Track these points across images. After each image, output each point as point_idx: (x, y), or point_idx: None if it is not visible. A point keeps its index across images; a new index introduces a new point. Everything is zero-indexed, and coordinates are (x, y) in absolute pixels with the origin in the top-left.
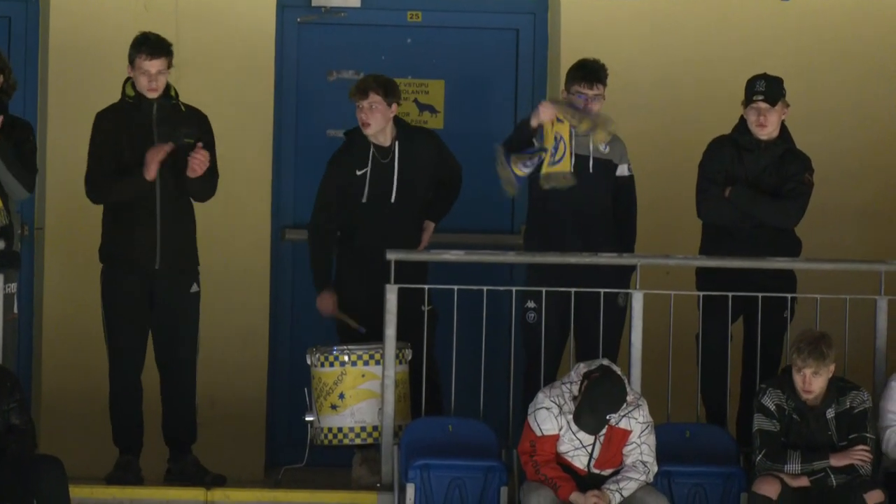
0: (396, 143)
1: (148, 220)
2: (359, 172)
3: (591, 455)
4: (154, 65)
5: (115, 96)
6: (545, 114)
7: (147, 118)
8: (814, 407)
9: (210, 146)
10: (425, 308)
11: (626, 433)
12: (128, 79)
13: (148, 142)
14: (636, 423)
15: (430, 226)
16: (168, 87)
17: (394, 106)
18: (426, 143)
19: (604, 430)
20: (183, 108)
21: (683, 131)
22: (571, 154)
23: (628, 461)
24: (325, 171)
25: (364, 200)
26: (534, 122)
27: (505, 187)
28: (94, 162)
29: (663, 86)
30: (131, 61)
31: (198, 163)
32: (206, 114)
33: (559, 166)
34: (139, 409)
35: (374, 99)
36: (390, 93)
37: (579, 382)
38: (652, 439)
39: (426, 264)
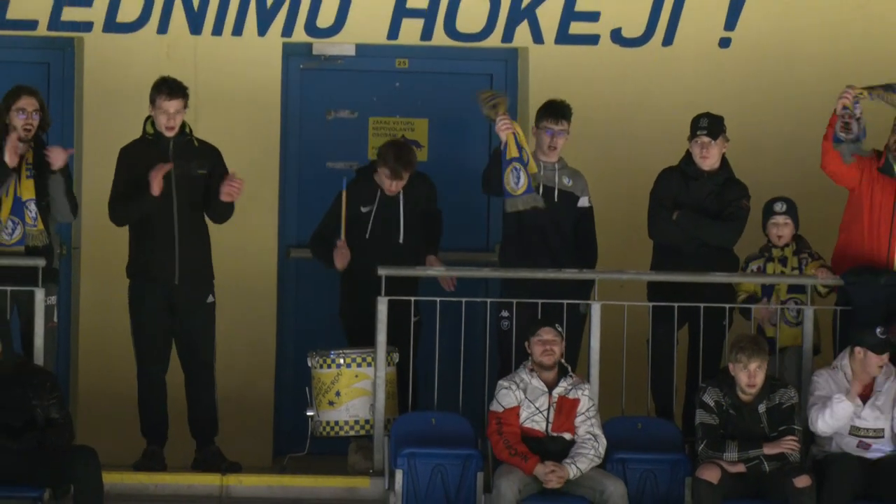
0: (403, 195)
1: (167, 240)
2: (363, 209)
3: (547, 420)
4: (172, 105)
5: (140, 133)
6: (503, 126)
7: (164, 153)
8: (748, 402)
9: (221, 177)
10: (412, 319)
11: (576, 402)
12: (148, 117)
13: (166, 176)
14: (583, 395)
15: (434, 259)
16: (183, 124)
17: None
18: (423, 185)
19: (555, 399)
20: (196, 143)
21: (636, 162)
22: (540, 172)
23: (581, 431)
24: (336, 198)
25: (367, 237)
26: (502, 136)
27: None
28: (115, 189)
29: (618, 123)
30: (152, 101)
31: (235, 189)
32: (218, 148)
33: (522, 188)
34: (164, 405)
35: (405, 176)
36: (413, 167)
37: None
38: (598, 418)
39: (416, 281)
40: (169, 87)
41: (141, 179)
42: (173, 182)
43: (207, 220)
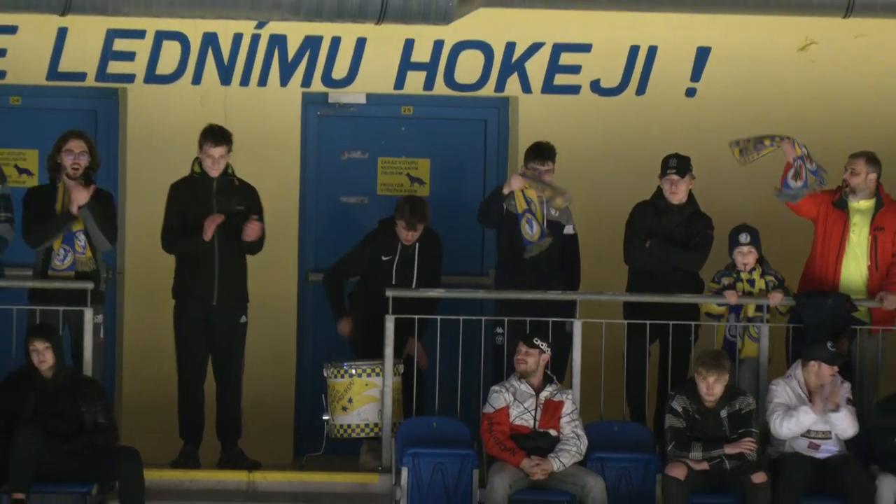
0: (417, 242)
1: (208, 267)
2: (384, 258)
3: (535, 418)
4: (217, 151)
5: (177, 171)
6: (516, 183)
7: (209, 191)
8: (711, 408)
9: (259, 213)
10: (415, 344)
11: (560, 404)
12: (196, 158)
13: (208, 208)
14: (567, 399)
15: (412, 342)
16: (226, 165)
17: None
18: (434, 240)
19: (542, 401)
20: (237, 182)
21: (614, 197)
22: (543, 216)
23: (566, 431)
24: (358, 245)
25: (393, 282)
26: (506, 190)
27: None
28: (167, 221)
29: (598, 162)
30: (200, 146)
31: (252, 231)
32: (255, 189)
33: (536, 235)
34: (201, 411)
35: (419, 228)
36: (426, 220)
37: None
38: (580, 420)
39: (429, 304)
40: (214, 135)
41: (187, 213)
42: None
43: None
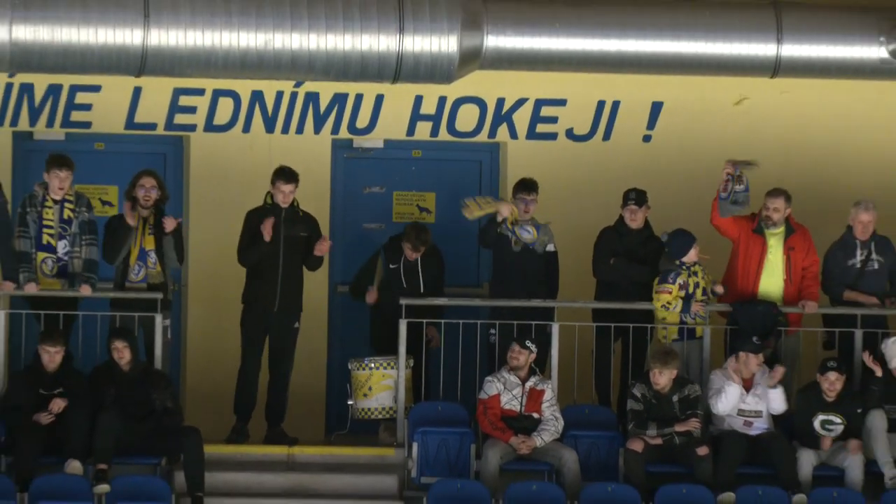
0: (420, 259)
1: (272, 280)
2: (392, 266)
3: (521, 404)
4: (288, 187)
5: (232, 203)
6: (505, 211)
7: (278, 218)
8: (664, 394)
9: (319, 236)
10: (424, 340)
11: (542, 392)
12: (269, 192)
13: (277, 233)
14: (547, 388)
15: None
16: (293, 198)
17: None
18: (435, 253)
19: (527, 389)
20: (301, 213)
21: (585, 222)
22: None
23: (546, 414)
24: (371, 257)
25: (404, 285)
26: (500, 218)
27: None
28: (242, 241)
29: (571, 195)
30: (273, 182)
31: (324, 247)
32: (316, 219)
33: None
34: (254, 395)
35: (421, 250)
36: (427, 244)
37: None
38: (557, 405)
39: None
40: (286, 175)
41: (259, 236)
42: (282, 240)
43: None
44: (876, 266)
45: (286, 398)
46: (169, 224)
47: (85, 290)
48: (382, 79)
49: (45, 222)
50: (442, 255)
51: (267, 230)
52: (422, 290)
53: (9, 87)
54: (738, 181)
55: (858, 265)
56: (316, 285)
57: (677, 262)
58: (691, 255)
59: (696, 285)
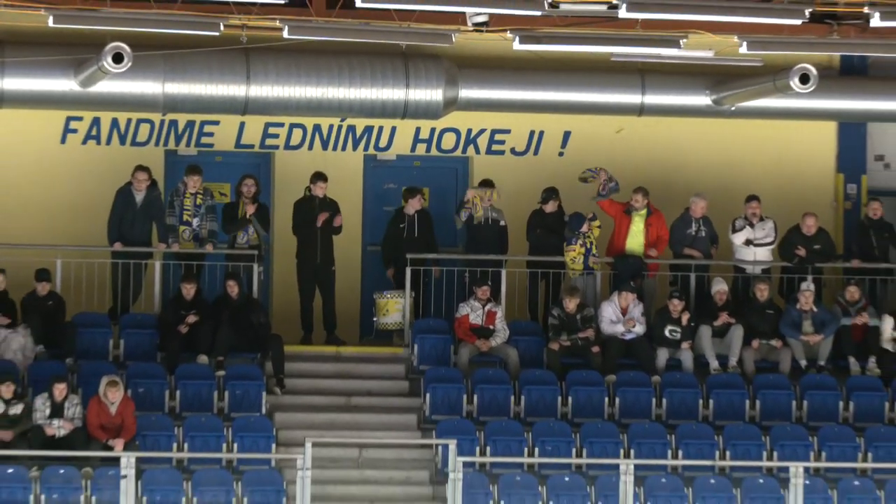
0: (416, 214)
1: (313, 243)
2: (400, 226)
3: (482, 319)
4: (323, 185)
5: (298, 195)
6: (470, 194)
7: (315, 204)
8: (571, 314)
9: (338, 213)
10: (432, 277)
11: (495, 313)
12: (308, 186)
13: (314, 214)
14: (498, 310)
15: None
16: (324, 192)
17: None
18: (426, 215)
19: (486, 311)
20: (328, 200)
21: (522, 208)
22: (483, 206)
23: (498, 326)
24: (388, 225)
25: (405, 236)
26: (466, 198)
27: (458, 224)
28: (294, 220)
29: (515, 189)
30: (312, 181)
31: (339, 220)
32: (337, 202)
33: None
34: (311, 314)
35: (421, 198)
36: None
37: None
38: (504, 321)
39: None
40: (321, 176)
41: (303, 216)
42: (318, 217)
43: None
44: (703, 234)
45: (335, 316)
46: (249, 207)
47: (209, 248)
48: (395, 116)
49: (185, 206)
50: (431, 216)
51: (320, 219)
52: (415, 236)
53: (162, 122)
54: (610, 180)
55: (693, 233)
56: (353, 245)
57: (576, 232)
58: (584, 228)
59: (590, 246)
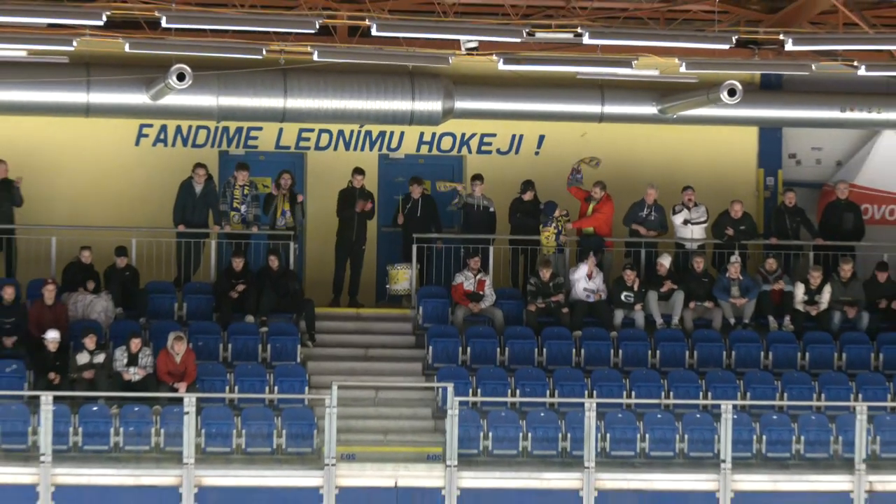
0: (421, 198)
1: (351, 223)
2: (408, 207)
3: (474, 286)
4: (360, 178)
5: (330, 188)
6: (460, 187)
7: (355, 192)
8: (546, 282)
9: (373, 201)
10: (435, 246)
11: (484, 281)
12: (350, 179)
13: (354, 200)
14: (487, 278)
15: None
16: (363, 183)
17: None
18: (430, 199)
19: (477, 279)
20: (366, 189)
21: (507, 196)
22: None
23: (487, 292)
24: (397, 207)
25: (407, 215)
26: (459, 189)
27: (452, 209)
28: (339, 205)
29: (500, 180)
30: (352, 174)
31: (369, 207)
32: (372, 192)
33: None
34: (342, 282)
35: (423, 187)
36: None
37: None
38: (492, 287)
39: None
40: (360, 171)
41: (345, 201)
42: (356, 203)
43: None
44: (653, 217)
45: (359, 283)
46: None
47: (254, 229)
48: (403, 123)
49: (234, 196)
50: (434, 200)
51: (360, 207)
52: (418, 216)
53: (217, 128)
54: (577, 171)
55: (644, 215)
56: (370, 227)
57: (550, 217)
58: (556, 213)
59: (561, 228)
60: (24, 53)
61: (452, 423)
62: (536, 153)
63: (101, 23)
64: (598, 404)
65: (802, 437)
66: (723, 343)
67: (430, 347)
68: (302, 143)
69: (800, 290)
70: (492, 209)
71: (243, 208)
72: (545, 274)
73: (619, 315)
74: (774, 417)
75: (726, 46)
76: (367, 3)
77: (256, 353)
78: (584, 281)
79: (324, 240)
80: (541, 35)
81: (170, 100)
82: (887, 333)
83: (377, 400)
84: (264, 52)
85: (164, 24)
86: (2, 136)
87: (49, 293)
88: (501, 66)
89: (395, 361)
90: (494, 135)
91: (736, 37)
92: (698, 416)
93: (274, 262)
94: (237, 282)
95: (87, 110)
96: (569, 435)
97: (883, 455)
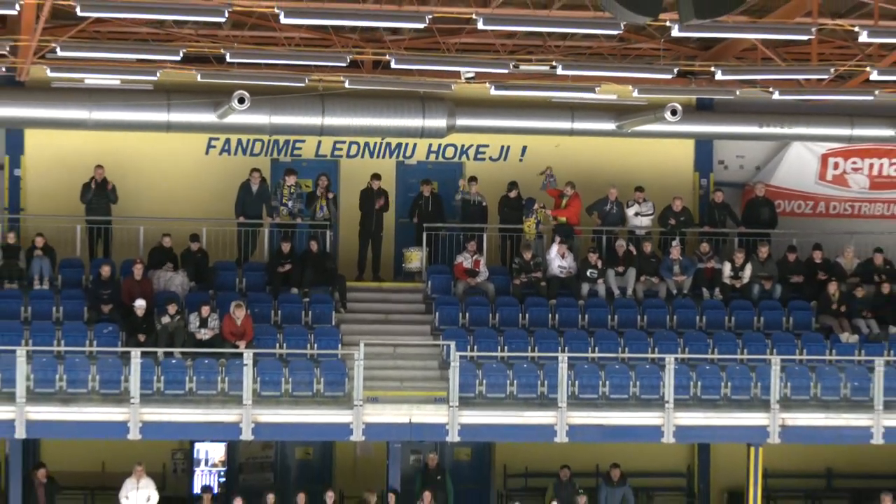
0: (430, 196)
1: (370, 217)
2: (420, 202)
3: (472, 265)
4: (378, 182)
5: (356, 188)
6: (461, 185)
7: (374, 193)
8: (527, 261)
9: (387, 198)
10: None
11: (479, 261)
12: (369, 181)
13: (374, 199)
14: (482, 259)
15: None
16: (379, 184)
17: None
18: (437, 197)
19: (474, 259)
20: (383, 189)
21: (495, 193)
22: (470, 192)
23: (482, 269)
24: (411, 204)
25: (420, 210)
26: (461, 186)
27: (455, 203)
28: (361, 202)
29: (491, 183)
30: (372, 178)
31: (386, 202)
32: (387, 191)
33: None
34: (366, 262)
35: (431, 187)
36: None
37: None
38: (486, 267)
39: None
40: (377, 176)
41: (366, 199)
42: (374, 201)
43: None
44: (615, 210)
45: (379, 263)
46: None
47: (298, 220)
48: (415, 136)
49: (283, 194)
50: (441, 198)
51: (378, 203)
52: (429, 210)
53: (269, 140)
54: (551, 176)
55: (607, 209)
56: (390, 218)
57: (530, 210)
58: (535, 208)
59: (540, 219)
60: (117, 82)
61: (454, 373)
62: (520, 160)
63: (178, 58)
64: (569, 358)
65: (730, 384)
66: (667, 309)
67: (437, 313)
68: (336, 152)
69: (727, 268)
70: (485, 204)
71: (290, 204)
72: (527, 255)
73: (585, 287)
74: (707, 368)
75: (669, 76)
76: (387, 42)
77: (300, 317)
78: (558, 260)
79: (353, 229)
80: (524, 67)
81: (232, 119)
82: (796, 301)
83: (395, 354)
84: (307, 81)
85: (228, 58)
86: (100, 147)
87: (138, 271)
88: (493, 92)
89: (409, 324)
90: (488, 145)
91: (677, 69)
92: (647, 366)
93: (314, 246)
94: (285, 262)
95: (168, 127)
96: (546, 382)
97: (792, 397)
